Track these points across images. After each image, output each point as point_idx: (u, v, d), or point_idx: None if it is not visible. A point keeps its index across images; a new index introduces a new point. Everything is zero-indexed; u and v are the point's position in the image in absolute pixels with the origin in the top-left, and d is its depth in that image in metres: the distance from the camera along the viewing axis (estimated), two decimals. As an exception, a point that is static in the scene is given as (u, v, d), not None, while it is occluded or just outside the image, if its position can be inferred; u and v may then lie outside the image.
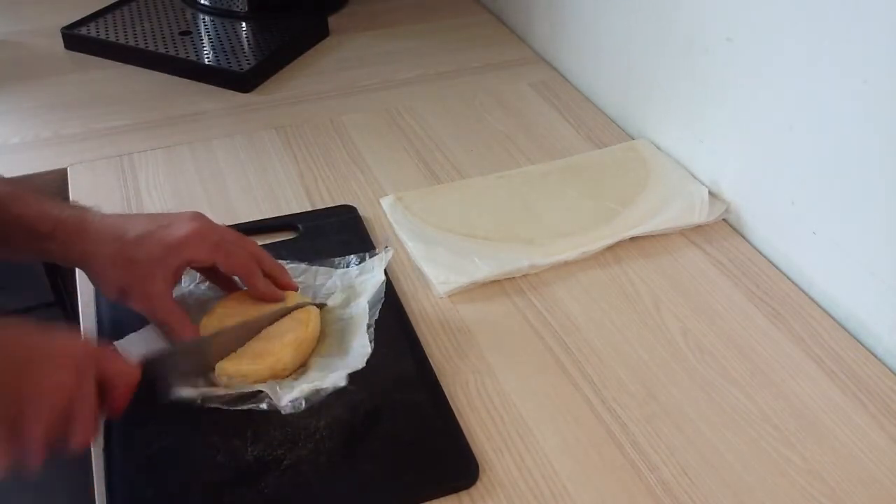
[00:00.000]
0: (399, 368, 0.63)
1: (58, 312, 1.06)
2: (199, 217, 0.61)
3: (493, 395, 0.62)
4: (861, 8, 0.62)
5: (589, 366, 0.65)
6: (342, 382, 0.57)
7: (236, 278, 0.63)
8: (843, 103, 0.66)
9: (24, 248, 0.60)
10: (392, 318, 0.67)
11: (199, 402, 0.57)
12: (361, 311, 0.64)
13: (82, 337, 0.52)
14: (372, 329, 0.63)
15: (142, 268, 0.58)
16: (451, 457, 0.57)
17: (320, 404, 0.58)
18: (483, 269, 0.72)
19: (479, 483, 0.55)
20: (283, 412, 0.56)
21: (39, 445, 0.46)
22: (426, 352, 0.65)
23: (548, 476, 0.56)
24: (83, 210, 0.61)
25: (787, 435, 0.60)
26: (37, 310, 1.05)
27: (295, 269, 0.69)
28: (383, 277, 0.67)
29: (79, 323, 0.68)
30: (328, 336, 0.64)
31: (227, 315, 0.62)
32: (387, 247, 0.70)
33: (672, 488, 0.56)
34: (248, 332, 0.60)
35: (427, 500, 0.54)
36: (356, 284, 0.68)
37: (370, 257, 0.70)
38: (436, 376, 0.62)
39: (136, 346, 0.61)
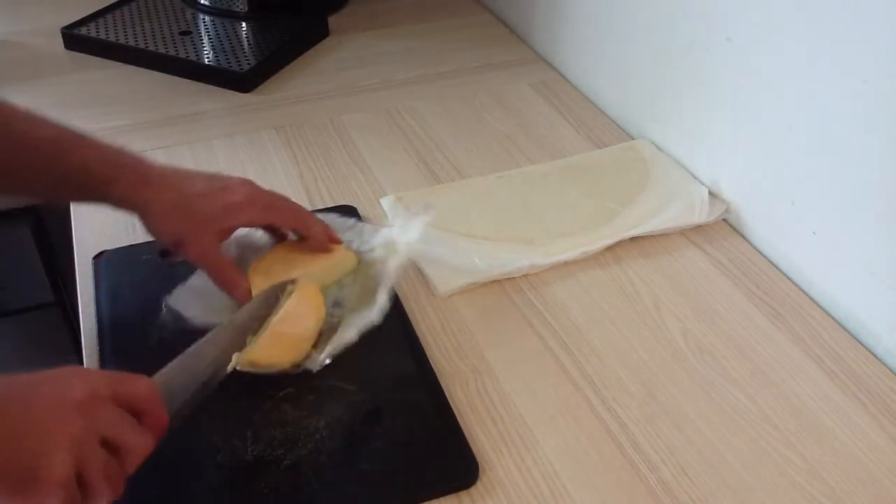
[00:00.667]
0: (399, 368, 0.63)
1: (58, 312, 1.07)
2: (249, 182, 0.65)
3: (493, 395, 0.62)
4: (861, 8, 0.62)
5: (589, 366, 0.65)
6: (355, 337, 0.61)
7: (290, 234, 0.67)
8: (843, 103, 0.66)
9: (81, 192, 0.61)
10: (392, 317, 0.67)
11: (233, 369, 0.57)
12: (393, 269, 0.67)
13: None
14: (393, 287, 0.65)
15: (199, 221, 0.61)
16: (452, 457, 0.57)
17: (321, 404, 0.58)
18: (483, 269, 0.72)
19: (479, 483, 0.55)
20: (313, 371, 0.60)
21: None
22: (426, 352, 0.65)
23: (548, 476, 0.56)
24: (140, 157, 0.63)
25: (787, 435, 0.60)
26: (37, 310, 1.06)
27: (342, 224, 0.71)
28: (416, 236, 0.68)
29: (79, 323, 0.68)
30: (365, 291, 0.66)
31: (277, 261, 0.65)
32: (427, 208, 0.71)
33: (672, 488, 0.56)
34: (266, 308, 0.60)
35: (427, 500, 0.54)
36: (396, 242, 0.69)
37: (413, 217, 0.70)
38: (436, 376, 0.62)
39: (187, 300, 0.65)
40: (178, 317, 0.63)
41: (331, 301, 0.66)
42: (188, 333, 0.64)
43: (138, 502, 0.54)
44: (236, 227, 0.63)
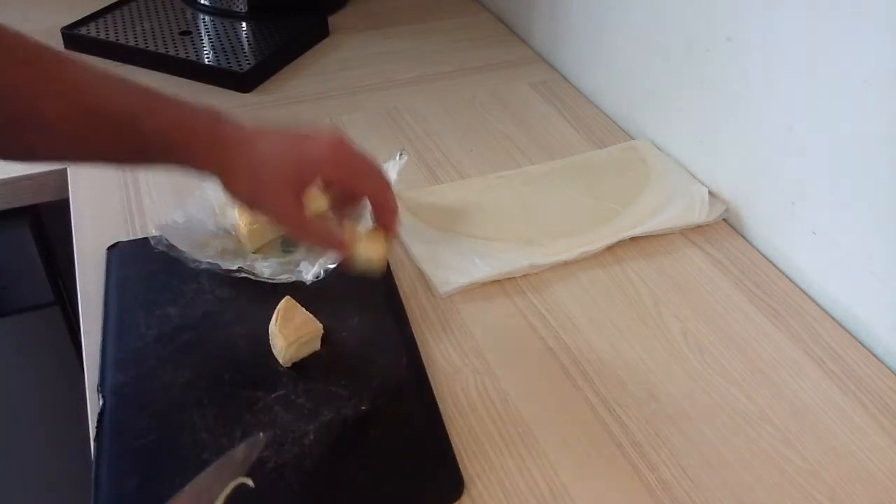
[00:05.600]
0: (393, 375, 0.62)
1: (57, 312, 1.06)
2: (337, 136, 0.58)
3: (493, 396, 0.62)
4: (861, 8, 0.62)
5: (589, 366, 0.65)
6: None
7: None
8: (843, 103, 0.66)
9: (158, 159, 0.57)
10: (392, 320, 0.67)
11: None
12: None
13: None
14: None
15: (272, 181, 0.56)
16: (436, 471, 0.56)
17: (311, 408, 0.58)
18: (483, 269, 0.72)
19: (479, 483, 0.55)
20: (307, 283, 0.66)
21: None
22: (426, 352, 0.65)
23: (548, 476, 0.56)
24: (216, 117, 0.58)
25: (787, 435, 0.60)
26: (37, 310, 1.05)
27: None
28: (394, 178, 0.73)
29: (79, 323, 0.68)
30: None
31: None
32: (401, 153, 0.76)
33: (672, 488, 0.56)
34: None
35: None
36: None
37: (384, 163, 0.75)
38: (430, 385, 0.62)
39: (176, 233, 0.69)
40: (169, 245, 0.69)
41: None
42: (188, 329, 0.65)
43: (120, 496, 0.54)
44: (312, 183, 0.57)
